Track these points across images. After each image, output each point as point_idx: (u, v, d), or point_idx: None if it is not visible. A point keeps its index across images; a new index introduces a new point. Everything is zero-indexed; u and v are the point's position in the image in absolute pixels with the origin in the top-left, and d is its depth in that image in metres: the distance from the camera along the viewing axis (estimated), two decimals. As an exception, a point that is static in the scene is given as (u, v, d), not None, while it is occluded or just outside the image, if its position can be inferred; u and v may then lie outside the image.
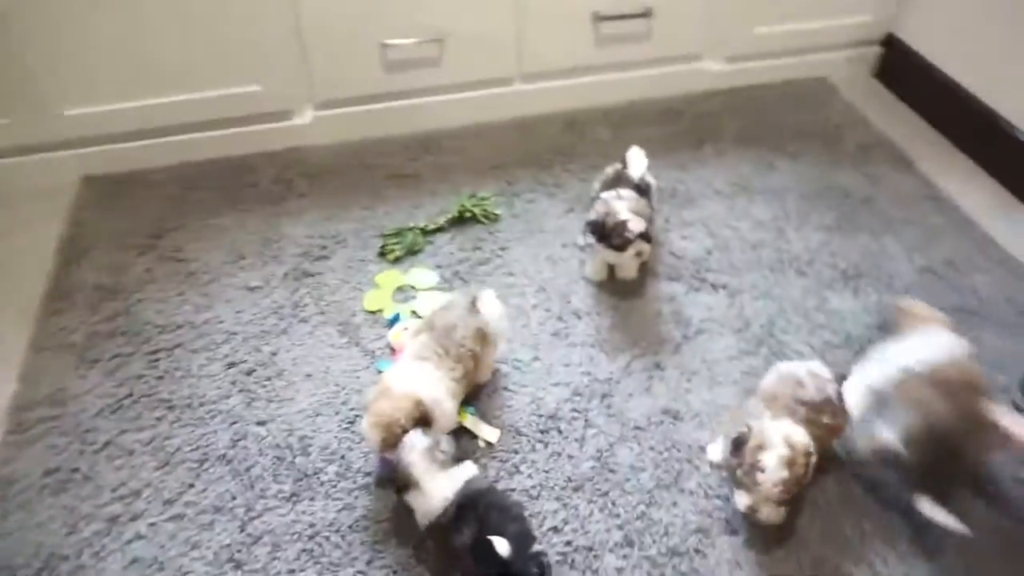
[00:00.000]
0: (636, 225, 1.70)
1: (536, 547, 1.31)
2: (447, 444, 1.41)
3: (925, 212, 2.11)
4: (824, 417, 1.41)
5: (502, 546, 1.25)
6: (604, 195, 1.82)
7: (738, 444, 1.38)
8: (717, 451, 1.52)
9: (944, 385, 1.39)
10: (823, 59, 2.58)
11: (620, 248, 1.72)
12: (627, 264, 1.84)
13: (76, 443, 1.59)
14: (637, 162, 1.89)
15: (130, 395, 1.67)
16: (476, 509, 1.31)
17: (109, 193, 2.17)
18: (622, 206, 1.74)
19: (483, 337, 1.58)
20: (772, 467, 1.32)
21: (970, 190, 2.19)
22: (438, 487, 1.34)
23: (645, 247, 1.73)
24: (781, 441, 1.34)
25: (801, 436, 1.36)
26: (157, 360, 1.74)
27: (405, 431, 1.40)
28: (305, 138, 2.30)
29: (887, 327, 1.69)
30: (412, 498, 1.37)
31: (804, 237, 2.03)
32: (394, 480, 1.39)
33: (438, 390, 1.47)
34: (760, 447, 1.34)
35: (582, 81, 2.42)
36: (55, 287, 1.90)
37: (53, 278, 1.93)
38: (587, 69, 2.40)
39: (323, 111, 2.27)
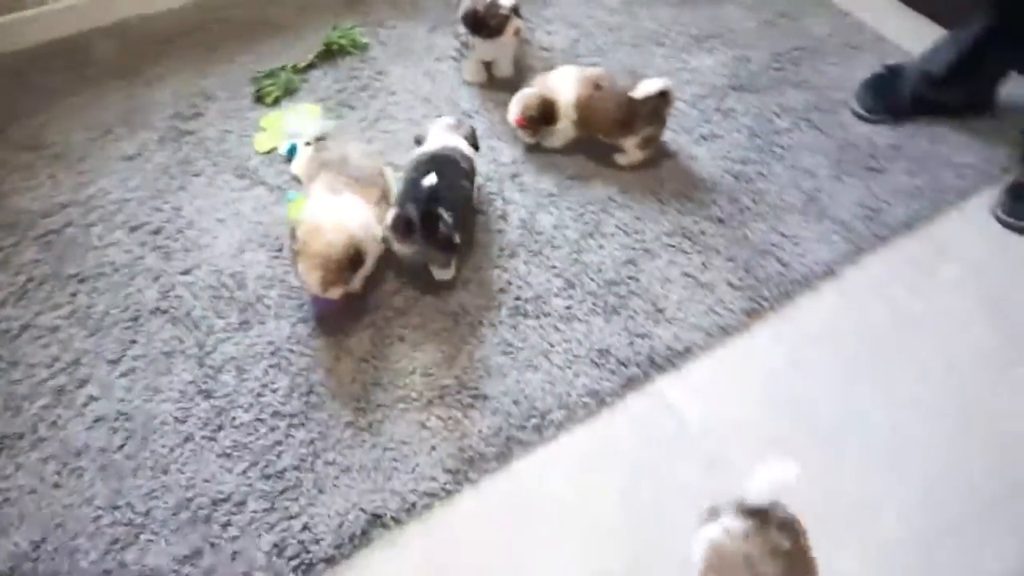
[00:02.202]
0: (507, 0, 1.75)
1: (444, 215, 1.44)
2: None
3: (753, -23, 2.30)
4: None
5: (429, 179, 1.42)
6: (465, -2, 1.85)
7: None
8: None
9: None
10: None
11: (498, 30, 1.77)
12: (506, 55, 1.91)
13: (-12, 335, 1.50)
14: (491, -40, 1.91)
15: (31, 279, 1.58)
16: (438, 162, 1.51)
17: (-75, 98, 1.94)
18: (488, -8, 1.78)
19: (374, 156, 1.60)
20: None
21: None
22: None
23: (520, 23, 1.79)
24: None
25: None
26: (49, 242, 1.64)
27: (342, 268, 1.40)
28: (138, 6, 2.12)
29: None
30: None
31: (655, 15, 2.17)
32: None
33: (367, 222, 1.47)
34: None
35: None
36: (-102, 199, 1.71)
37: None
38: None
39: (150, -31, 2.11)
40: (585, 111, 1.68)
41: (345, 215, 1.44)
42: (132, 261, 1.61)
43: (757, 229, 1.66)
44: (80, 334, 1.50)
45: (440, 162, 1.51)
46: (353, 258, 1.42)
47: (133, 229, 1.66)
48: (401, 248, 1.48)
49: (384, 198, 1.55)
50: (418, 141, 1.62)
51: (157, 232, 1.65)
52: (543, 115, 1.72)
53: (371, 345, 1.48)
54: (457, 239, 1.47)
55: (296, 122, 1.84)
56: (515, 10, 1.78)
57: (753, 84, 1.97)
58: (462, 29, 1.84)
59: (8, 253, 1.62)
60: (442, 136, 1.59)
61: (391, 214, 1.46)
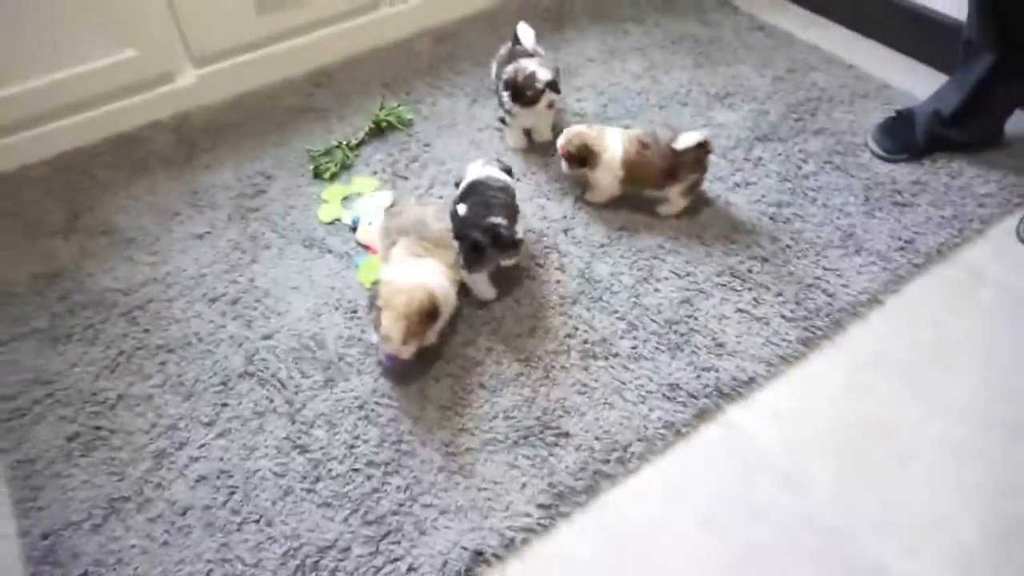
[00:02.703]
0: (544, 74, 1.90)
1: (497, 221, 1.59)
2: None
3: (759, 39, 2.49)
4: None
5: (461, 208, 1.62)
6: (507, 68, 2.00)
7: None
8: None
9: None
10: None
11: (534, 100, 1.91)
12: (543, 124, 2.05)
13: (86, 407, 1.57)
14: (527, 35, 2.08)
15: (122, 353, 1.66)
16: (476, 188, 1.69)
17: (-1, 195, 2.06)
18: (528, 63, 1.93)
19: (443, 218, 1.73)
20: None
21: (783, 16, 2.59)
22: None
23: (555, 97, 1.94)
24: None
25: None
26: (134, 318, 1.73)
27: (422, 321, 1.51)
28: (193, 100, 2.28)
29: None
30: None
31: (675, 78, 2.33)
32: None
33: (444, 282, 1.60)
34: None
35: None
36: (-12, 288, 1.81)
37: (-20, 281, 1.83)
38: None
39: (204, 68, 2.27)
40: (633, 168, 1.81)
41: (423, 275, 1.56)
42: (215, 330, 1.70)
43: (800, 265, 1.77)
44: (174, 400, 1.58)
45: (473, 188, 1.68)
46: (431, 311, 1.52)
47: (212, 301, 1.76)
48: (477, 275, 1.65)
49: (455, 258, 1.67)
50: (457, 183, 1.77)
51: (235, 302, 1.75)
52: (580, 157, 1.85)
53: (452, 394, 1.56)
54: (519, 235, 1.65)
55: (358, 188, 1.98)
56: (551, 85, 1.91)
57: (775, 134, 2.12)
58: (505, 95, 1.98)
59: (98, 330, 1.71)
60: (475, 170, 1.76)
61: (459, 249, 1.62)
